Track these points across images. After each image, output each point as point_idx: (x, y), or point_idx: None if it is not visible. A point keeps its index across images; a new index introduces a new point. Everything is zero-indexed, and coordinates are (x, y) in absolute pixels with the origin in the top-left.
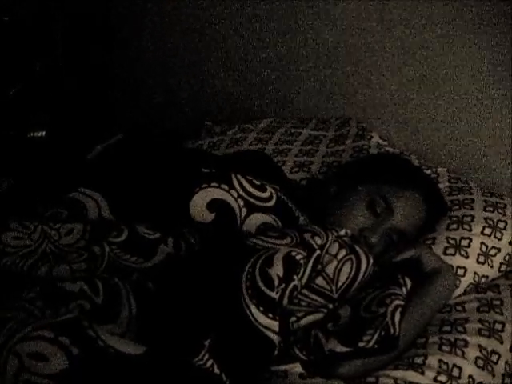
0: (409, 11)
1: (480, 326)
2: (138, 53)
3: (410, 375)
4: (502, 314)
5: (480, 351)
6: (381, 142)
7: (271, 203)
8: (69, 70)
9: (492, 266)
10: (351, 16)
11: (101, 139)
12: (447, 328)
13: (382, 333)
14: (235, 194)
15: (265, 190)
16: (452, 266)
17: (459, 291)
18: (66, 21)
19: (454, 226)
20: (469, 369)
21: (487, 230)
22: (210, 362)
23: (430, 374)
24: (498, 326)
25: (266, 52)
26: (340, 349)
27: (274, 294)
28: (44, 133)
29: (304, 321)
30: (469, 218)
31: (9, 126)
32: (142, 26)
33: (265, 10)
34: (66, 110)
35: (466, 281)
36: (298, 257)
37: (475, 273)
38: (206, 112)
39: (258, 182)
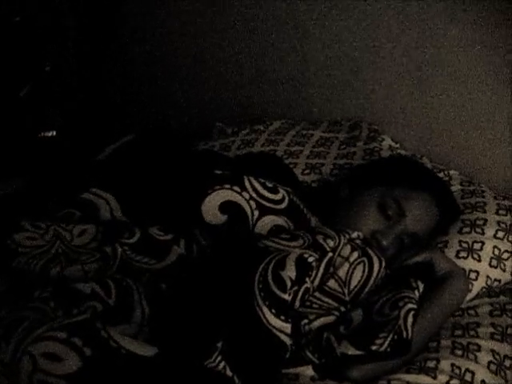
0: (424, 13)
1: (492, 330)
2: (140, 53)
3: (423, 379)
4: None
5: (493, 356)
6: (393, 144)
7: (283, 205)
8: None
9: (504, 270)
10: (364, 18)
11: (111, 139)
12: (459, 332)
13: (395, 336)
14: (247, 196)
15: (277, 192)
16: (464, 270)
17: (471, 295)
18: (75, 20)
19: (467, 229)
20: (481, 373)
21: (500, 234)
22: (222, 364)
23: (443, 378)
24: (511, 331)
25: (276, 54)
26: (352, 352)
27: (286, 296)
28: (55, 132)
29: (316, 323)
30: (481, 222)
31: (20, 126)
32: (145, 25)
33: (276, 10)
34: (76, 110)
35: (478, 284)
36: (310, 259)
37: (488, 276)
38: (211, 114)
39: (270, 184)
